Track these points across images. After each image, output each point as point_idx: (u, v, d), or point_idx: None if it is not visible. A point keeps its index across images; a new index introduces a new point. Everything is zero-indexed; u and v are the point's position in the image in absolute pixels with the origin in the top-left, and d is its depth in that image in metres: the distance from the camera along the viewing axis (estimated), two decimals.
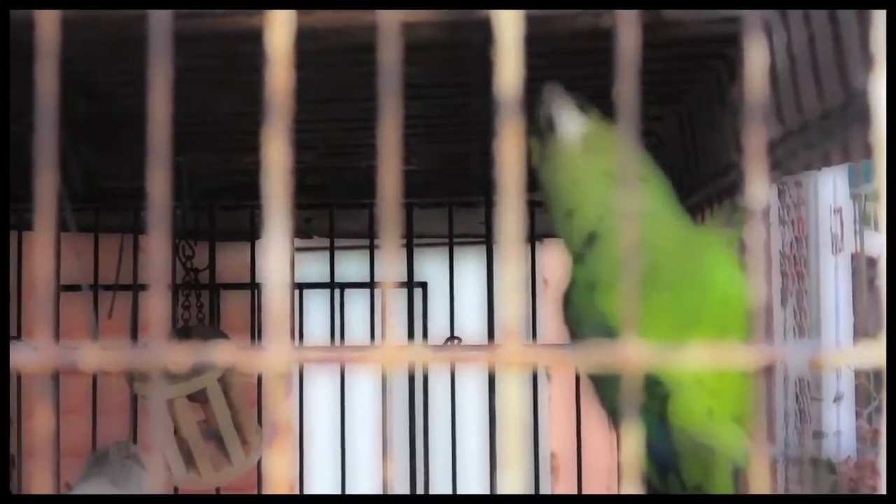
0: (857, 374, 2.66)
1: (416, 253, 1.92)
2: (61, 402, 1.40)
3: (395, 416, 0.42)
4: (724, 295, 1.01)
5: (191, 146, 1.48)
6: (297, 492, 1.87)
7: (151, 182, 0.40)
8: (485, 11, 0.76)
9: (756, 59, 0.41)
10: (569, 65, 1.08)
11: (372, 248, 1.89)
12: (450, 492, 1.94)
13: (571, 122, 1.03)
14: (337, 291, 1.99)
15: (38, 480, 0.41)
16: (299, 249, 1.97)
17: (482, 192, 1.77)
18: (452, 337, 1.93)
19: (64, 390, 1.33)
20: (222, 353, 0.40)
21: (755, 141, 0.41)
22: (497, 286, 1.86)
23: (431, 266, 2.05)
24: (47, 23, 0.40)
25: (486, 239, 1.86)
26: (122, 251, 1.92)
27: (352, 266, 2.03)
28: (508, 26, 0.40)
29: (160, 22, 0.40)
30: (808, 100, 0.91)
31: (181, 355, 0.40)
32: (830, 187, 2.71)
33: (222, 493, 1.79)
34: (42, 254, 0.41)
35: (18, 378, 1.78)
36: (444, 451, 1.92)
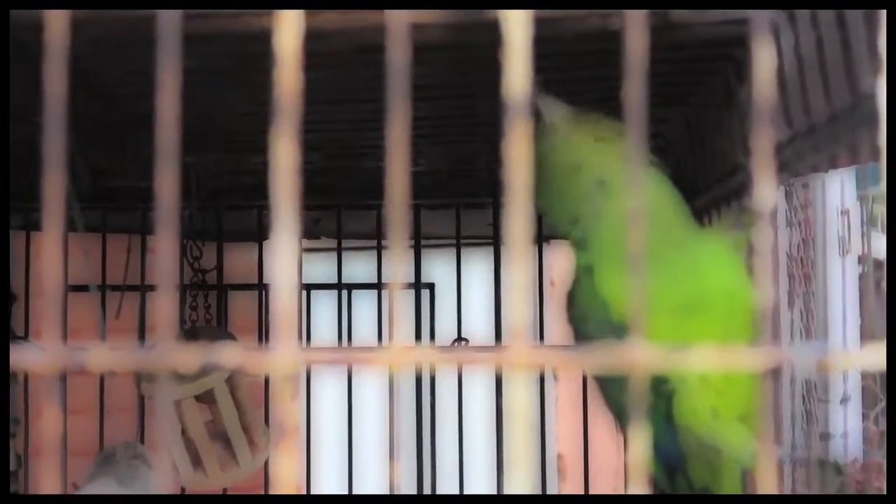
0: (864, 376, 2.66)
1: (424, 254, 1.92)
2: (69, 402, 1.40)
3: (402, 417, 0.42)
4: (719, 282, 1.02)
5: (199, 147, 1.48)
6: (304, 493, 1.87)
7: (159, 182, 0.40)
8: (493, 12, 0.76)
9: (764, 61, 0.41)
10: (576, 67, 1.08)
11: (379, 249, 1.89)
12: (457, 493, 1.94)
13: (552, 110, 1.04)
14: (344, 292, 1.99)
15: (46, 480, 0.41)
16: (307, 250, 1.98)
17: (490, 193, 1.76)
18: (460, 338, 1.93)
19: (71, 390, 1.33)
20: (230, 354, 0.40)
21: (763, 143, 0.41)
22: (504, 287, 1.86)
23: (439, 267, 2.05)
24: (56, 23, 0.40)
25: (493, 240, 1.86)
26: (130, 251, 1.92)
27: (359, 267, 2.03)
28: (516, 28, 0.40)
29: (169, 23, 0.40)
30: (815, 102, 0.91)
31: (188, 356, 0.40)
32: (838, 189, 2.71)
33: (229, 493, 1.79)
34: (50, 254, 0.41)
35: (26, 378, 1.78)
36: (451, 452, 1.92)
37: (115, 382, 1.86)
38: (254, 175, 1.63)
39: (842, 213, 2.70)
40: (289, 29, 0.40)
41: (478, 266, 2.13)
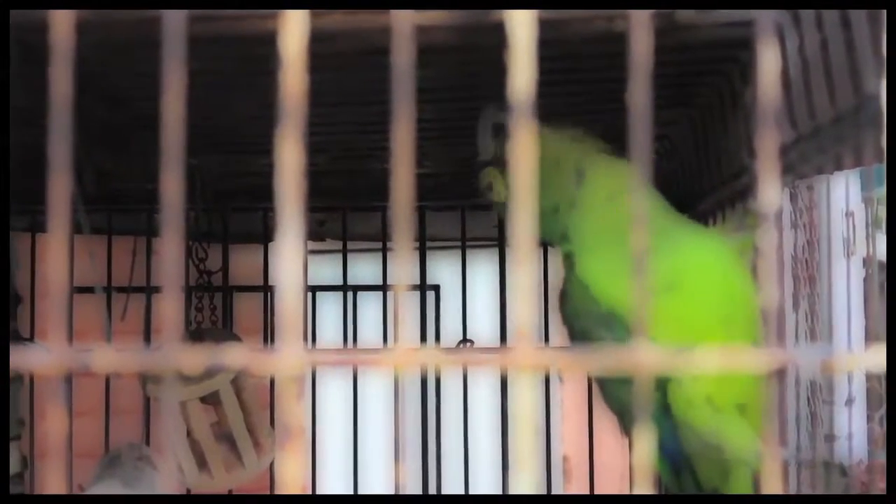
0: (869, 377, 2.65)
1: (429, 256, 1.92)
2: (74, 404, 1.40)
3: (407, 418, 0.42)
4: (694, 260, 1.03)
5: (204, 148, 1.49)
6: (309, 494, 1.87)
7: (165, 184, 0.40)
8: (498, 14, 0.76)
9: (768, 63, 0.41)
10: (582, 68, 1.08)
11: (385, 251, 1.89)
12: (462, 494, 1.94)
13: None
14: (350, 294, 1.99)
15: (51, 481, 0.41)
16: (312, 252, 1.98)
17: None
18: (465, 339, 1.93)
19: (77, 392, 1.33)
20: (235, 356, 0.41)
21: (767, 144, 0.41)
22: (509, 289, 1.86)
23: (444, 269, 2.05)
24: (62, 25, 0.40)
25: (498, 242, 1.86)
26: (136, 253, 1.92)
27: (365, 269, 2.03)
28: (522, 30, 0.40)
29: (174, 25, 0.40)
30: (820, 104, 0.91)
31: (194, 357, 0.40)
32: (842, 191, 2.70)
33: (234, 494, 1.79)
34: (56, 256, 0.41)
35: (32, 379, 1.78)
36: (456, 453, 1.92)
37: (121, 384, 1.86)
38: (259, 177, 1.63)
39: (846, 214, 2.69)
40: (294, 31, 0.40)
41: (483, 268, 2.13)
